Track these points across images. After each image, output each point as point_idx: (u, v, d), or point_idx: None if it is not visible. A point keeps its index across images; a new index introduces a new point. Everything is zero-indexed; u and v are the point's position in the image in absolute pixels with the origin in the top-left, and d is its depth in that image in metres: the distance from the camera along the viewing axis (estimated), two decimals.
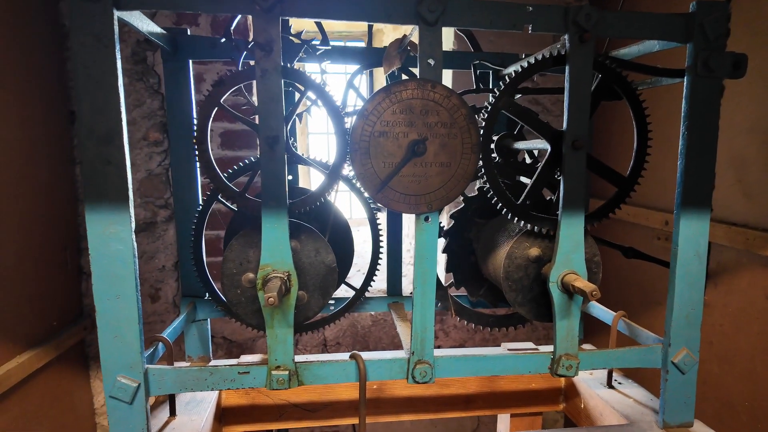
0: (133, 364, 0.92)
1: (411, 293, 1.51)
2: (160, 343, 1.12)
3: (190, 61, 1.30)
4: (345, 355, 1.04)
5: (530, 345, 1.61)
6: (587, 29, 0.95)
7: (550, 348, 1.60)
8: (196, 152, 0.94)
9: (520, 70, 1.01)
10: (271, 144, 0.90)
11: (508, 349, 1.58)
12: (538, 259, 1.09)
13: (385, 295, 1.50)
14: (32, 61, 1.76)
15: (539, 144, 1.12)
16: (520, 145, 1.23)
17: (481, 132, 1.00)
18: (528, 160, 1.43)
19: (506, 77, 1.02)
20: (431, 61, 0.93)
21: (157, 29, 1.15)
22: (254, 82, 0.97)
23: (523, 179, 1.37)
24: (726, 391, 1.56)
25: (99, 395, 2.16)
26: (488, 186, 1.04)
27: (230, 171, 1.22)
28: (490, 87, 1.45)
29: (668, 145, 1.73)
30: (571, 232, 1.02)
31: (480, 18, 0.94)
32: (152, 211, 2.07)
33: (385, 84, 1.39)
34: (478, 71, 1.39)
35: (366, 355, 1.03)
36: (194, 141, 0.94)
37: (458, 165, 0.97)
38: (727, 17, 0.99)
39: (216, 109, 0.95)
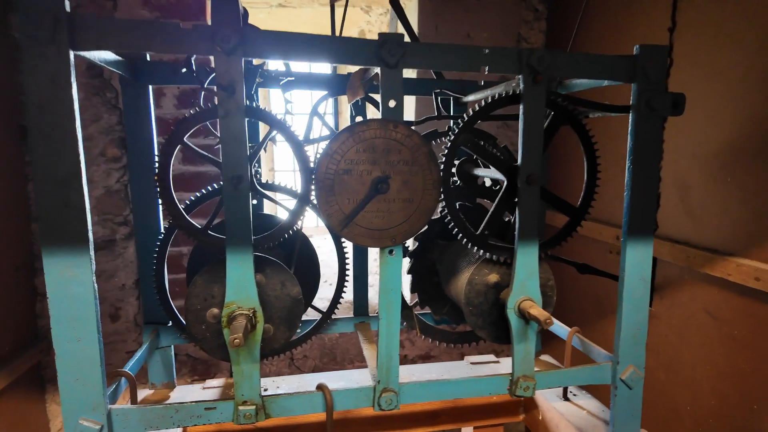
0: (96, 406, 0.91)
1: (377, 313, 1.55)
2: (123, 378, 1.11)
3: (150, 87, 1.28)
4: (311, 384, 1.06)
5: (491, 358, 1.68)
6: (540, 71, 1.01)
7: (510, 362, 1.67)
8: (158, 190, 0.93)
9: (477, 108, 1.05)
10: (236, 184, 0.90)
11: (471, 363, 1.65)
12: (497, 285, 1.14)
13: (352, 315, 1.52)
14: None
15: (496, 174, 1.17)
16: (479, 172, 1.28)
17: (441, 167, 1.03)
18: (488, 183, 1.49)
19: (464, 115, 1.06)
20: (392, 103, 0.96)
21: (114, 57, 1.13)
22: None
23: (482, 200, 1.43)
24: (671, 397, 1.67)
25: (56, 419, 2.09)
26: (449, 218, 1.08)
27: (189, 201, 1.21)
28: (451, 113, 1.49)
29: (621, 163, 1.83)
30: (526, 261, 1.08)
31: (438, 61, 0.98)
32: (111, 228, 2.02)
33: (349, 109, 1.41)
34: (439, 98, 1.43)
35: (332, 384, 1.06)
36: (155, 178, 0.93)
37: (420, 200, 1.00)
38: (667, 61, 1.07)
39: (179, 146, 0.94)
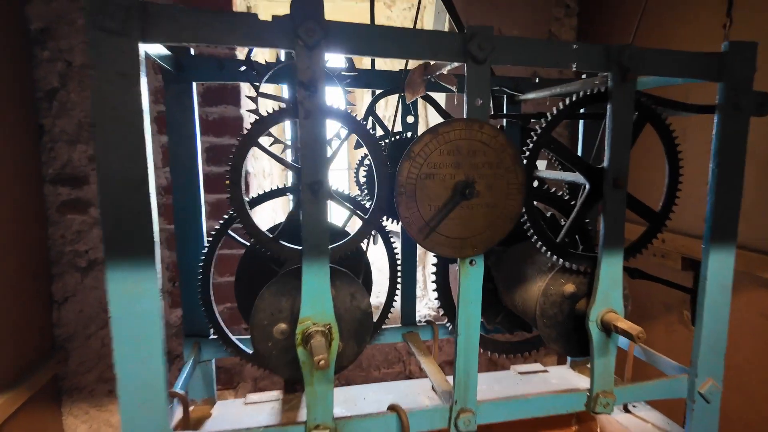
0: None
1: (426, 321, 1.48)
2: (175, 399, 1.03)
3: (194, 84, 1.20)
4: (358, 398, 0.99)
5: (539, 367, 1.62)
6: (630, 68, 0.94)
7: (561, 369, 1.61)
8: (229, 196, 0.85)
9: (560, 107, 0.99)
10: (315, 190, 0.83)
11: (518, 372, 1.58)
12: (573, 296, 1.08)
13: (399, 324, 1.45)
14: None
15: (570, 176, 1.11)
16: (545, 174, 1.21)
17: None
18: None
19: (548, 114, 0.99)
20: (479, 101, 0.89)
21: (164, 51, 1.05)
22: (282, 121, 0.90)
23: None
24: (722, 403, 1.63)
25: None
26: (529, 225, 1.01)
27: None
28: (504, 112, 1.43)
29: (652, 165, 1.78)
30: (611, 270, 1.02)
31: (527, 57, 0.91)
32: None
33: (402, 107, 1.34)
34: (494, 95, 1.37)
35: (380, 397, 0.99)
36: (226, 183, 0.85)
37: (504, 206, 0.94)
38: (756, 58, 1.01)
39: (252, 148, 0.86)
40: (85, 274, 1.91)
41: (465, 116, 0.90)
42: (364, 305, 0.99)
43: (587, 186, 1.02)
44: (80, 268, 1.92)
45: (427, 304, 2.47)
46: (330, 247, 0.90)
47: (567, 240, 1.04)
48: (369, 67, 1.32)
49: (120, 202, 0.76)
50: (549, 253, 1.03)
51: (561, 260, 1.03)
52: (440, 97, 2.19)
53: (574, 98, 0.99)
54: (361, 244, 1.08)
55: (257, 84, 1.03)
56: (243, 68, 1.00)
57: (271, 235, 0.88)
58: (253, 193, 1.46)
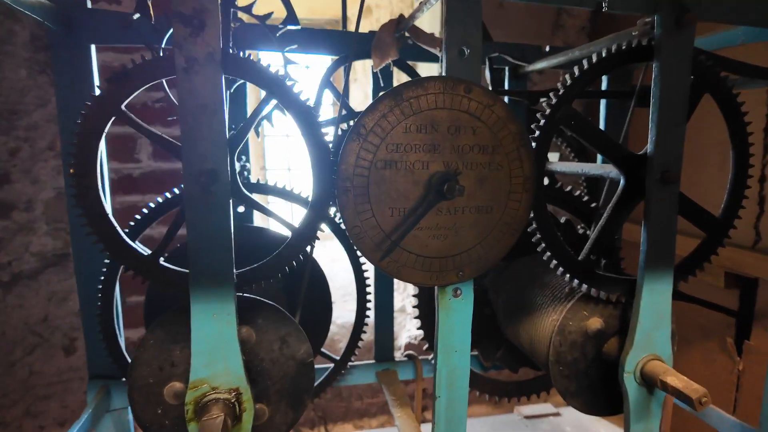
0: None
1: (406, 356, 1.18)
2: None
3: (93, 47, 0.90)
4: None
5: (549, 408, 1.31)
6: (689, 7, 0.64)
7: (576, 411, 1.30)
8: (74, 192, 0.56)
9: (585, 66, 0.68)
10: (205, 184, 0.53)
11: (525, 416, 1.28)
12: (600, 334, 0.77)
13: (372, 360, 1.15)
14: None
15: (596, 169, 0.81)
16: (558, 167, 0.91)
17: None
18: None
19: (566, 77, 0.69)
20: (465, 50, 0.59)
21: None
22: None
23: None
24: None
25: None
26: (540, 236, 0.71)
27: (134, 221, 0.82)
28: (506, 87, 1.13)
29: (701, 155, 1.48)
30: (656, 300, 0.72)
31: None
32: (64, 239, 1.62)
33: (372, 81, 1.04)
34: (493, 66, 1.07)
35: None
36: (71, 172, 0.55)
37: (503, 210, 0.64)
38: None
39: (114, 118, 0.56)
40: (7, 289, 1.61)
41: (444, 72, 0.60)
42: (301, 354, 0.68)
43: (622, 181, 0.72)
44: (2, 283, 1.62)
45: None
46: (238, 271, 0.60)
47: (592, 257, 0.74)
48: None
49: None
50: (568, 275, 0.72)
51: (584, 285, 0.73)
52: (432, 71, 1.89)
53: (604, 54, 0.68)
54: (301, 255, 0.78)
55: (156, 46, 0.73)
56: (136, 16, 0.70)
57: (148, 252, 0.58)
58: None
